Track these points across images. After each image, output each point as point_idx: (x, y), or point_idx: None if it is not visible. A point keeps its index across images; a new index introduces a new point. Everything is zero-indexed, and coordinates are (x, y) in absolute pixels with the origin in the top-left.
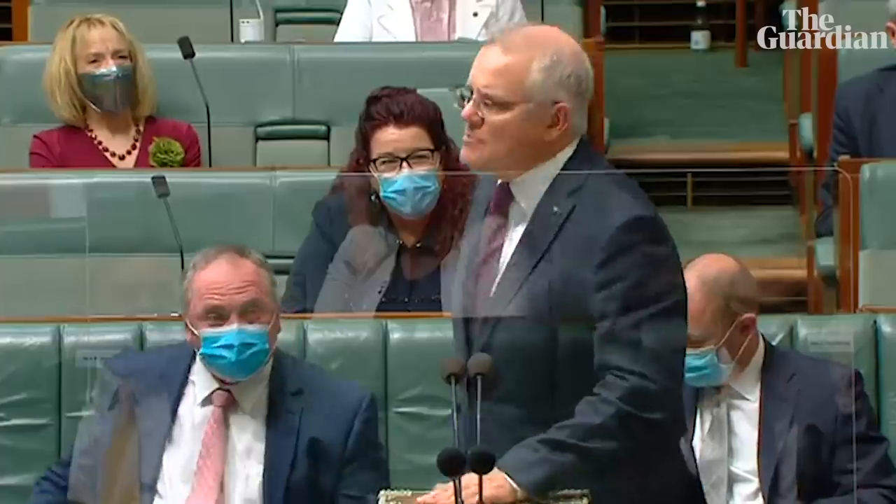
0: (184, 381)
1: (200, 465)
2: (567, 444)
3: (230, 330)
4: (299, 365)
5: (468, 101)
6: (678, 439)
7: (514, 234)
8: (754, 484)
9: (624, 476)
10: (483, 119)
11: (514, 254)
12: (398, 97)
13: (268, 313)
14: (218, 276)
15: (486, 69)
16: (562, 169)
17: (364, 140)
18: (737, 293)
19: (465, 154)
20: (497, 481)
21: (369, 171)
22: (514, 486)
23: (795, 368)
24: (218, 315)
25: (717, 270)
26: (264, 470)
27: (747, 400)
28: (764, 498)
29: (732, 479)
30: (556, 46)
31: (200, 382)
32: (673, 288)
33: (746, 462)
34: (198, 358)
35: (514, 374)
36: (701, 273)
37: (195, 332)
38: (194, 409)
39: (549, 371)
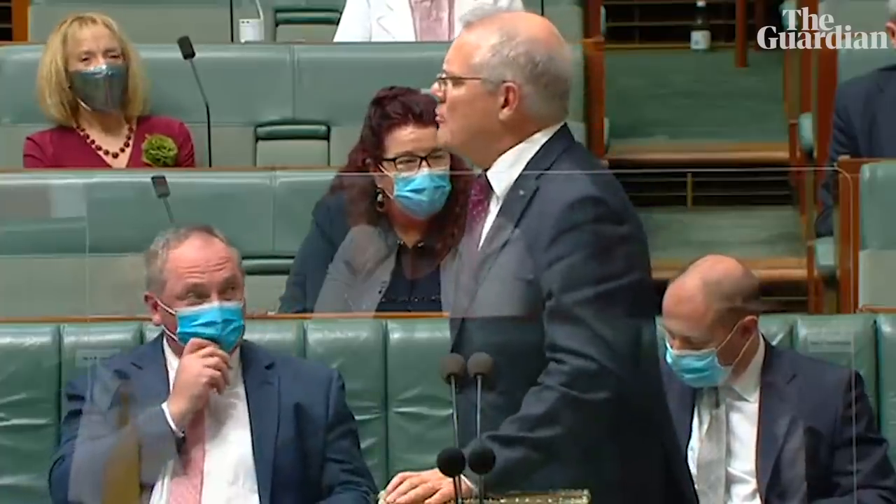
0: (166, 373)
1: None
2: (517, 437)
3: (211, 307)
4: (261, 347)
5: None
6: (656, 432)
7: (489, 223)
8: (752, 485)
9: (592, 466)
10: (445, 96)
11: (484, 240)
12: (412, 96)
13: (240, 290)
14: (196, 254)
15: (451, 47)
16: (535, 154)
17: (377, 139)
18: (739, 297)
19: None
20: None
21: (379, 171)
22: (468, 483)
23: (795, 369)
24: (198, 293)
25: (721, 274)
26: (251, 432)
27: (747, 401)
28: (761, 498)
29: (730, 480)
30: (514, 28)
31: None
32: (627, 269)
33: (744, 463)
34: (166, 343)
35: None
36: (704, 275)
37: (171, 311)
38: None
39: (522, 358)
